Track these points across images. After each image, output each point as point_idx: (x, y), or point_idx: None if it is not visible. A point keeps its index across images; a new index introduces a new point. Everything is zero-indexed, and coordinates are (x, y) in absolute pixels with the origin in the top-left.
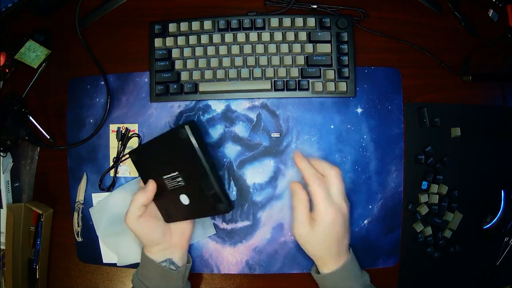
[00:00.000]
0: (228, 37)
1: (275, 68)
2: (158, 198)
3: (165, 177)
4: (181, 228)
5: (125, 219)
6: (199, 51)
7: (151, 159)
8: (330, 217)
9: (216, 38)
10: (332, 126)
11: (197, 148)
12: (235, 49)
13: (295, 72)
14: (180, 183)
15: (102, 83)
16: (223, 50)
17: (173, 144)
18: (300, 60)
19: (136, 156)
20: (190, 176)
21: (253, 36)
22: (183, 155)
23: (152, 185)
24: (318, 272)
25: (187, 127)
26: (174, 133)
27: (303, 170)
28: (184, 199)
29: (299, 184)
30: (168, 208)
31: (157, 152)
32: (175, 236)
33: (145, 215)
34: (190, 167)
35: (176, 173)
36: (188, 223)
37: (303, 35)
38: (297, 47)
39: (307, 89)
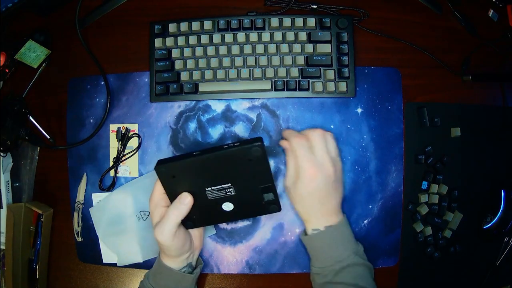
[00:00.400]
0: (228, 37)
1: (275, 68)
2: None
3: (209, 189)
4: (198, 229)
5: (160, 237)
6: (199, 51)
7: (192, 173)
8: (308, 173)
9: (216, 38)
10: (332, 126)
11: (268, 161)
12: (235, 49)
13: (295, 72)
14: (229, 193)
15: (102, 83)
16: (223, 50)
17: (235, 158)
18: (300, 60)
19: (167, 170)
20: (247, 185)
21: (253, 36)
22: (245, 168)
23: (190, 199)
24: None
25: (260, 145)
26: (241, 150)
27: (287, 134)
28: (228, 206)
29: (284, 141)
30: (199, 215)
31: (205, 166)
32: (195, 239)
33: (178, 229)
34: (251, 177)
35: (229, 184)
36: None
37: (303, 35)
38: (297, 47)
39: (307, 89)
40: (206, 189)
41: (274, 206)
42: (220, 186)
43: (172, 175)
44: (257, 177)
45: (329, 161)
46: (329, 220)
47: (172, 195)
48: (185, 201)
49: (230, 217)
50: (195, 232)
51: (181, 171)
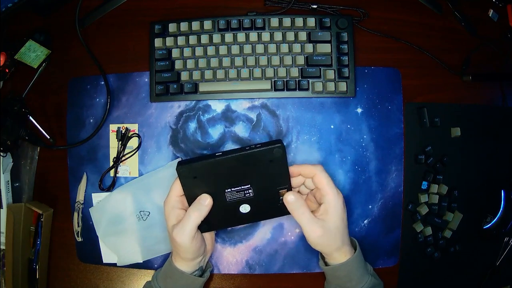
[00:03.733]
0: (228, 37)
1: (275, 68)
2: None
3: (228, 190)
4: (210, 232)
5: (180, 238)
6: (199, 51)
7: (213, 174)
8: (342, 200)
9: (216, 38)
10: (332, 126)
11: (287, 163)
12: (235, 49)
13: (295, 72)
14: (248, 195)
15: (102, 83)
16: (223, 50)
17: (257, 159)
18: (300, 60)
19: (188, 171)
20: (266, 186)
21: (253, 36)
22: (266, 169)
23: (210, 201)
24: (326, 264)
25: (281, 146)
26: (263, 151)
27: (300, 168)
28: (245, 208)
29: (290, 193)
30: (216, 218)
31: (227, 167)
32: (207, 242)
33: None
34: (270, 178)
35: (248, 185)
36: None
37: (303, 35)
38: (297, 47)
39: (307, 89)
40: (226, 191)
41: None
42: (240, 188)
43: (194, 176)
44: (276, 178)
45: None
46: (349, 250)
47: (190, 197)
48: (205, 202)
49: (246, 219)
50: (207, 236)
51: (202, 172)
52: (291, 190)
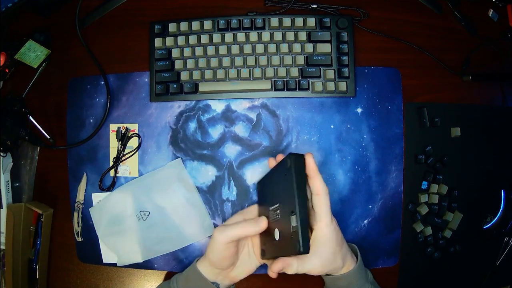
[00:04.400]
0: (228, 37)
1: (275, 68)
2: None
3: (270, 208)
4: (246, 265)
5: (220, 232)
6: (199, 51)
7: (266, 188)
8: (333, 226)
9: (216, 38)
10: (332, 126)
11: (295, 180)
12: (235, 49)
13: (295, 72)
14: (277, 216)
15: (102, 83)
16: (223, 50)
17: (280, 172)
18: (300, 60)
19: (261, 186)
20: (285, 209)
21: (253, 36)
22: (285, 184)
23: (264, 224)
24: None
25: (292, 157)
26: (282, 162)
27: (313, 178)
28: (277, 234)
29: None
30: (265, 243)
31: (270, 181)
32: (236, 270)
33: (236, 243)
34: (287, 199)
35: (277, 204)
36: (253, 264)
37: (303, 35)
38: (297, 47)
39: (307, 89)
40: (270, 209)
41: (297, 244)
42: (275, 206)
43: (261, 190)
44: (289, 201)
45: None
46: (351, 262)
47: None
48: (261, 223)
49: (276, 250)
50: (241, 265)
51: (263, 185)
52: (299, 218)
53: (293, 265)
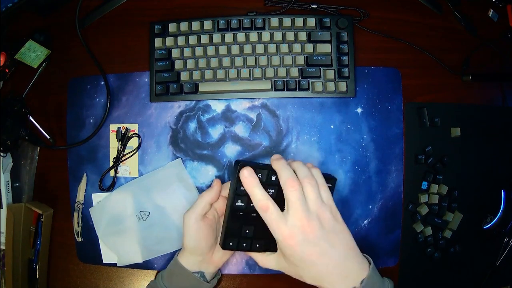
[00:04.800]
0: (228, 37)
1: (275, 68)
2: (236, 219)
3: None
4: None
5: (187, 215)
6: (199, 51)
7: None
8: (287, 243)
9: (216, 38)
10: (332, 126)
11: (231, 186)
12: (235, 49)
13: (295, 72)
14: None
15: (102, 83)
16: (223, 50)
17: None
18: (300, 60)
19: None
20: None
21: (253, 36)
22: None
23: (217, 186)
24: None
25: (235, 165)
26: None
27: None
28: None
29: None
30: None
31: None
32: (217, 254)
33: (207, 221)
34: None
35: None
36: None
37: (303, 35)
38: (297, 47)
39: (307, 89)
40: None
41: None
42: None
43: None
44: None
45: (324, 207)
46: (355, 276)
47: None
48: (213, 185)
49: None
50: (220, 249)
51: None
52: (227, 219)
53: (257, 257)
